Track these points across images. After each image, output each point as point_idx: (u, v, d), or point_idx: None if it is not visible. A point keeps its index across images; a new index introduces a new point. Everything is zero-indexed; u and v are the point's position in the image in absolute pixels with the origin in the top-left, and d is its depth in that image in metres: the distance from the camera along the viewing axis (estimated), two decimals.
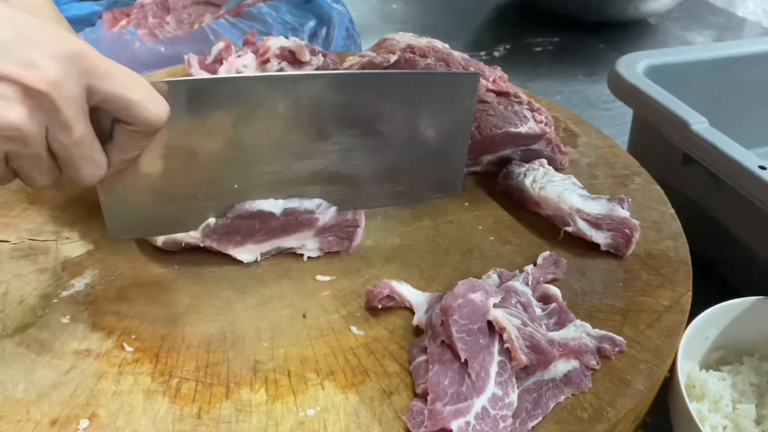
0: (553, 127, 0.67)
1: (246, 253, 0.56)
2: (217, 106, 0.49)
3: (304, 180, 0.55)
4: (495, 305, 0.49)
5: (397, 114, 0.54)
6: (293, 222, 0.56)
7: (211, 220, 0.54)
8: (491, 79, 0.70)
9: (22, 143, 0.41)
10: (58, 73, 0.40)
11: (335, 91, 0.52)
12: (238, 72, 0.80)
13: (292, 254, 0.58)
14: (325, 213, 0.56)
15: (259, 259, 0.57)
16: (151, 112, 0.44)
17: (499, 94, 0.67)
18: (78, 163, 0.44)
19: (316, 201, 0.56)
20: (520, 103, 0.67)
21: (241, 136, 0.51)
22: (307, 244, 0.58)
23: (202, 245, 0.55)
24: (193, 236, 0.55)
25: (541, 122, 0.66)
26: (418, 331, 0.51)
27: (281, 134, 0.52)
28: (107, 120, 0.45)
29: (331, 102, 0.52)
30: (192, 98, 0.48)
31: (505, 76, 0.71)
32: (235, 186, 0.53)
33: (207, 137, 0.50)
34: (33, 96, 0.39)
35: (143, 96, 0.44)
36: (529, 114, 0.66)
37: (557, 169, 0.68)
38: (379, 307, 0.52)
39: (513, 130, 0.65)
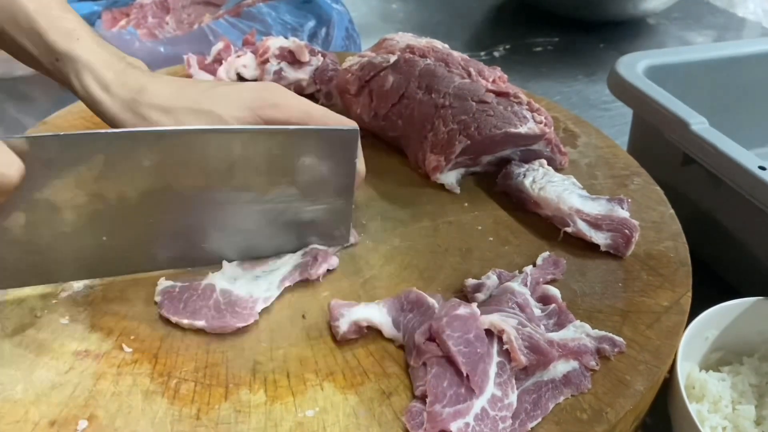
0: (552, 128, 0.67)
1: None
2: (77, 160, 0.48)
3: (171, 234, 0.54)
4: (489, 310, 0.48)
5: (272, 169, 0.53)
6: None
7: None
8: (491, 80, 0.69)
9: None
10: None
11: (200, 147, 0.51)
12: (238, 72, 0.80)
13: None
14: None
15: None
16: (1, 173, 0.44)
17: (499, 94, 0.67)
18: None
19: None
20: (520, 103, 0.67)
21: (104, 190, 0.50)
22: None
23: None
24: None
25: (540, 123, 0.66)
26: None
27: (149, 188, 0.51)
28: None
29: (198, 156, 0.51)
30: (53, 154, 0.47)
31: (505, 76, 0.71)
32: (104, 238, 0.52)
33: (69, 191, 0.49)
34: None
35: None
36: (528, 114, 0.66)
37: (557, 170, 0.68)
38: (351, 337, 0.51)
39: (512, 130, 0.64)
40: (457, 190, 0.67)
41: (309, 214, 0.56)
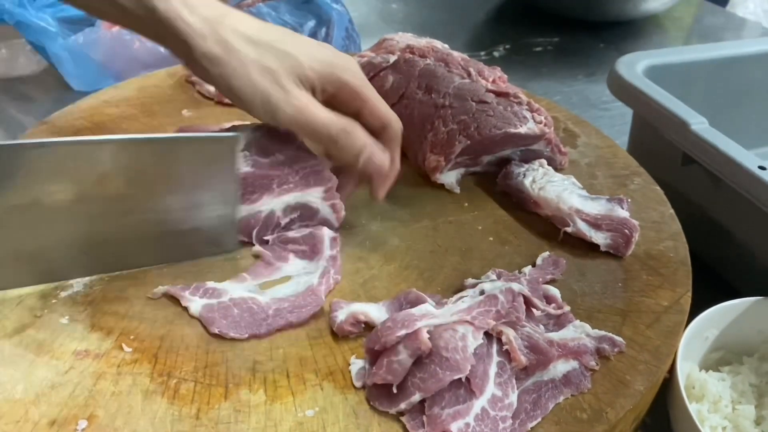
0: (552, 128, 0.67)
1: None
2: None
3: (67, 244, 0.52)
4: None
5: (151, 177, 0.53)
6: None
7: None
8: (491, 80, 0.69)
9: None
10: None
11: (69, 158, 0.50)
12: None
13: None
14: None
15: None
16: None
17: (499, 94, 0.67)
18: None
19: None
20: (520, 103, 0.66)
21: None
22: None
23: None
24: None
25: (540, 123, 0.66)
26: None
27: (18, 203, 0.50)
28: None
29: (83, 166, 0.50)
30: None
31: (505, 76, 0.71)
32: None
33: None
34: None
35: None
36: (528, 114, 0.66)
37: (557, 170, 0.68)
38: (349, 329, 0.51)
39: (512, 130, 0.64)
40: (457, 190, 0.67)
41: (192, 222, 0.55)
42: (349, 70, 0.55)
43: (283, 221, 0.58)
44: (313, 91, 0.54)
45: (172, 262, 0.56)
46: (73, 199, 0.51)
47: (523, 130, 0.65)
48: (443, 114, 0.66)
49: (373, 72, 0.72)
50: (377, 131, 0.57)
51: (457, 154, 0.65)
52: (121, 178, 0.52)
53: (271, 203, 0.57)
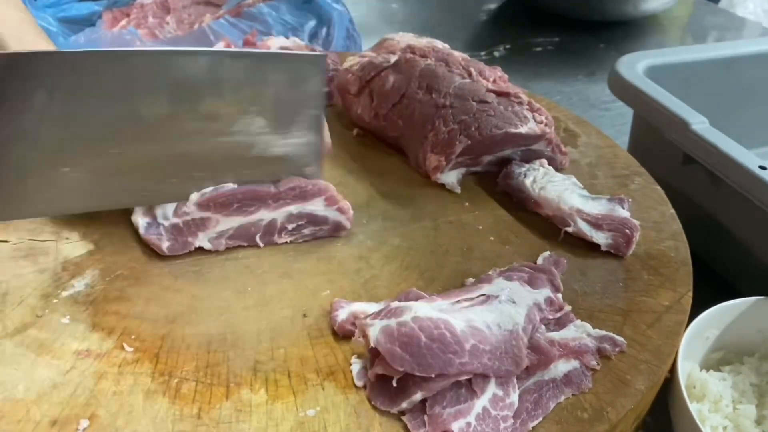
0: (553, 128, 0.67)
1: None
2: (41, 82, 0.47)
3: (137, 166, 0.53)
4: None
5: (242, 95, 0.53)
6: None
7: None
8: (491, 80, 0.70)
9: None
10: None
11: (169, 68, 0.50)
12: None
13: (293, 252, 0.58)
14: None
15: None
16: None
17: (500, 94, 0.67)
18: None
19: None
20: (521, 103, 0.67)
21: (68, 116, 0.48)
22: None
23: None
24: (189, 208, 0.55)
25: (541, 123, 0.66)
26: None
27: (113, 115, 0.50)
28: None
29: (167, 80, 0.50)
30: (18, 72, 0.46)
31: (505, 76, 0.71)
32: (66, 170, 0.50)
33: (32, 115, 0.47)
34: None
35: None
36: (529, 114, 0.66)
37: (557, 170, 0.68)
38: (349, 328, 0.50)
39: (513, 130, 0.64)
40: (458, 190, 0.67)
41: (279, 148, 0.56)
42: None
43: (290, 226, 0.59)
44: None
45: (253, 183, 0.56)
46: (169, 114, 0.51)
47: (524, 130, 0.65)
48: (444, 114, 0.66)
49: (374, 72, 0.72)
50: None
51: (458, 154, 0.65)
52: (213, 94, 0.52)
53: (271, 215, 0.58)
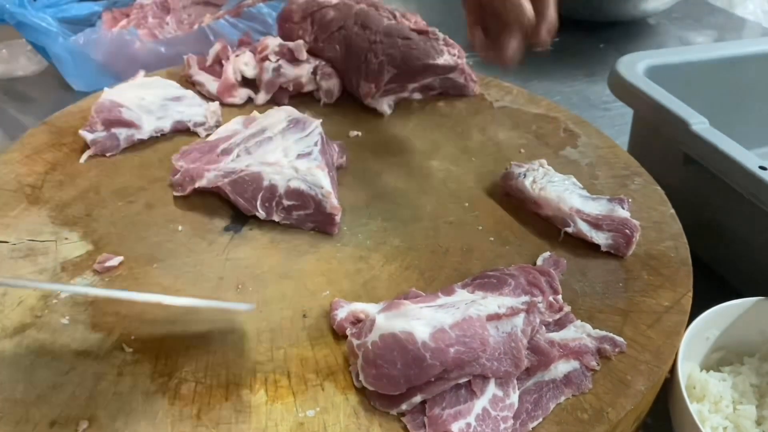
0: (464, 59, 0.80)
1: None
2: None
3: None
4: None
5: None
6: None
7: None
8: (413, 21, 0.82)
9: None
10: None
11: None
12: (240, 71, 0.79)
13: (293, 251, 0.58)
14: None
15: None
16: None
17: (420, 32, 0.79)
18: None
19: None
20: (437, 39, 0.80)
21: None
22: None
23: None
24: None
25: (454, 55, 0.80)
26: None
27: None
28: None
29: None
30: None
31: (423, 21, 0.82)
32: None
33: None
34: None
35: None
36: (445, 49, 0.79)
37: (469, 96, 0.81)
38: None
39: (431, 62, 0.78)
40: (389, 112, 0.79)
41: None
42: None
43: (285, 203, 0.60)
44: None
45: None
46: None
47: (440, 61, 0.79)
48: (375, 48, 0.78)
49: (316, 7, 0.83)
50: None
51: (386, 81, 0.77)
52: None
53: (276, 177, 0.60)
